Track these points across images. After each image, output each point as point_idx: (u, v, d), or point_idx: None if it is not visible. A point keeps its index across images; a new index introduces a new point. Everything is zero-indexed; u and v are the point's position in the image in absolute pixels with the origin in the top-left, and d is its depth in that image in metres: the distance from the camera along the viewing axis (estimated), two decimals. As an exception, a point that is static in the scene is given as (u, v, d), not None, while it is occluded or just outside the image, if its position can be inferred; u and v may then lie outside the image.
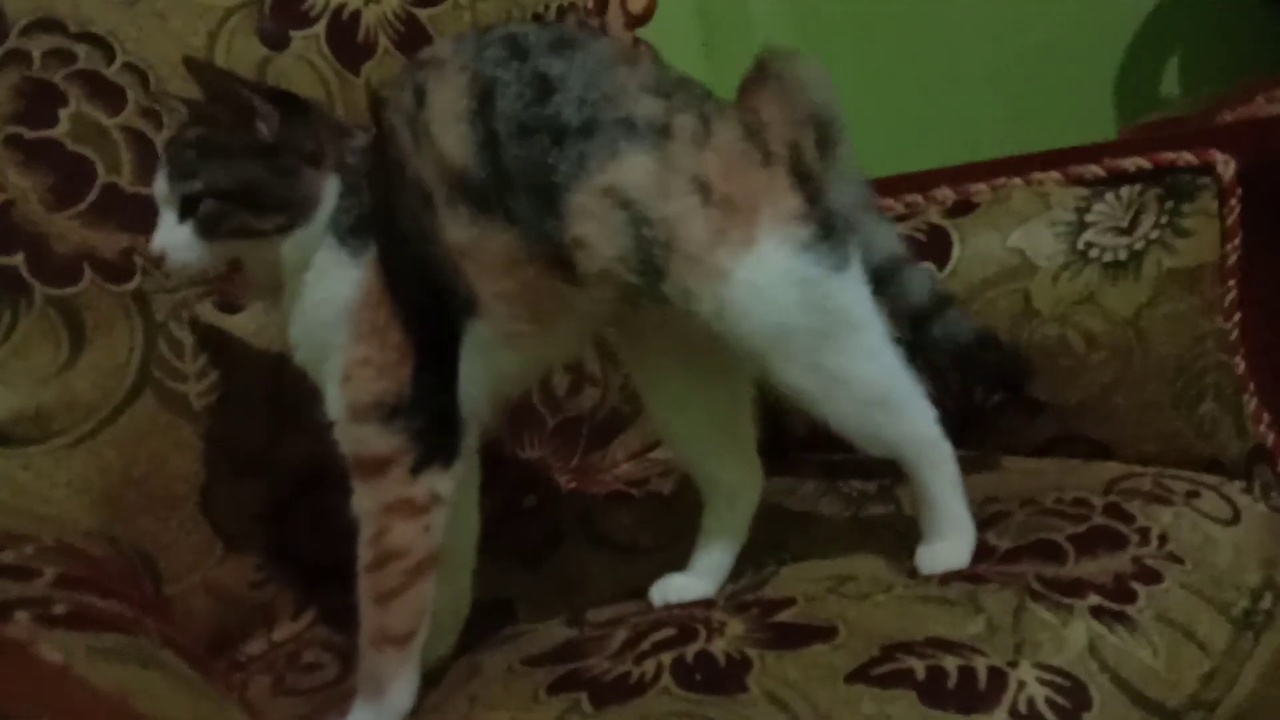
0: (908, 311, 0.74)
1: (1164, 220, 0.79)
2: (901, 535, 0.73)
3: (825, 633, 0.62)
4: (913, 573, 0.69)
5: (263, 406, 0.77)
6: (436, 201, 0.60)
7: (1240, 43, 1.59)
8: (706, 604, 0.70)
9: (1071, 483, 0.78)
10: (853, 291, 0.65)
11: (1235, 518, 0.74)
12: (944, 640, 0.59)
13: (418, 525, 0.61)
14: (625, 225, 0.59)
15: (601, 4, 1.13)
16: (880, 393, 0.66)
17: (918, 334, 0.74)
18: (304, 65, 0.86)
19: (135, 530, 0.71)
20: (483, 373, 0.63)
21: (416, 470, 0.60)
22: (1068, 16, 1.67)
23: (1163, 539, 0.70)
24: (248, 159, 0.59)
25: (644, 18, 1.15)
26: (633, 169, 0.59)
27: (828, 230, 0.63)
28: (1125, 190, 0.82)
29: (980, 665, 0.57)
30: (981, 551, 0.70)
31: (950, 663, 0.57)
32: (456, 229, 0.60)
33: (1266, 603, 0.68)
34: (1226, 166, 0.76)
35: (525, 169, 0.59)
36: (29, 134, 0.71)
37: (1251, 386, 0.79)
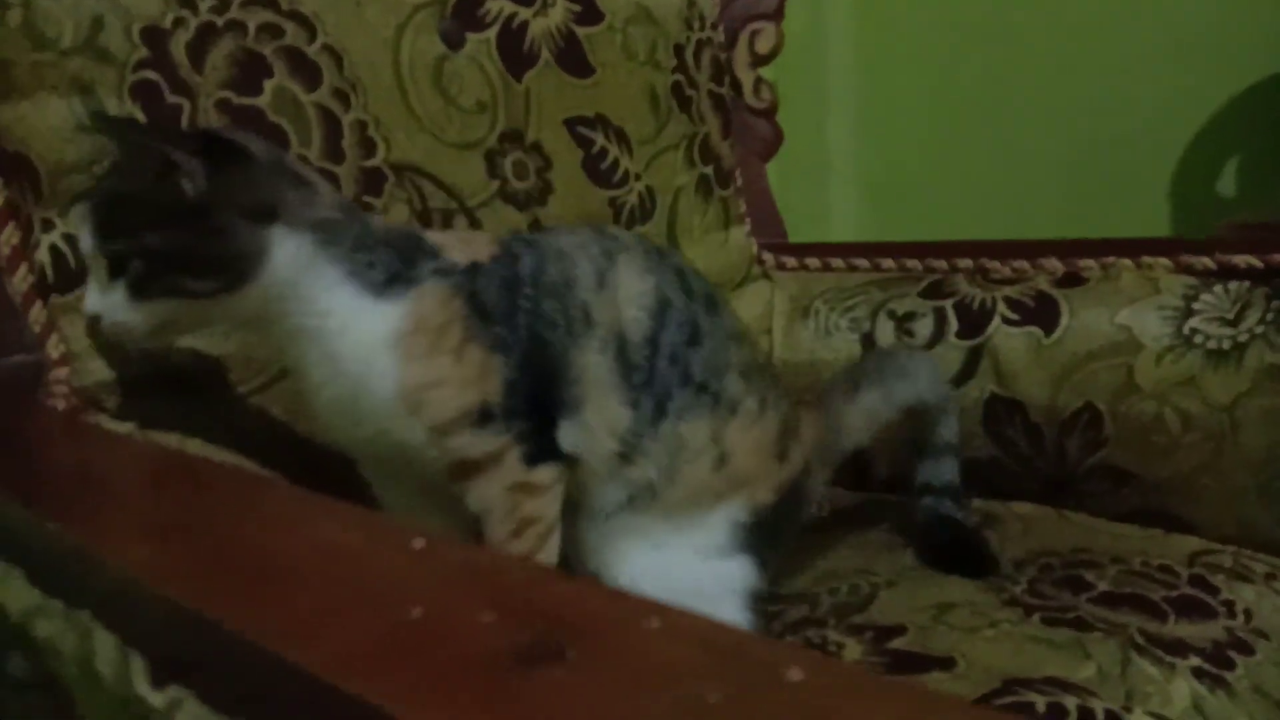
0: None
1: (1269, 317, 0.85)
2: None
3: (944, 662, 0.66)
4: (1010, 602, 0.74)
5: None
6: (596, 334, 0.65)
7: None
8: (817, 622, 0.74)
9: (1156, 550, 0.83)
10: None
11: (1312, 604, 0.79)
12: (1060, 680, 0.64)
13: (544, 499, 0.64)
14: (665, 456, 0.67)
15: (731, 41, 1.19)
16: None
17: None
18: (475, 67, 0.91)
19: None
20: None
21: (530, 463, 0.63)
22: (1130, 110, 1.73)
23: (1248, 614, 0.75)
24: (174, 219, 0.56)
25: (769, 57, 1.20)
26: (695, 430, 0.67)
27: (760, 525, 0.72)
28: (1233, 285, 0.87)
29: (1097, 707, 0.61)
30: (1079, 585, 0.76)
31: (1069, 701, 0.61)
32: (594, 360, 0.65)
33: (1343, 688, 0.73)
34: (1336, 275, 0.82)
35: (659, 382, 0.66)
36: (236, 100, 0.76)
37: (1332, 483, 0.85)
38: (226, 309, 0.59)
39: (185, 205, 0.56)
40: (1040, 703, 0.61)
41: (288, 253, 0.58)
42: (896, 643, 0.69)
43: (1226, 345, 0.85)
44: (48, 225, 0.68)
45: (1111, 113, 1.76)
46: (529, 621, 0.23)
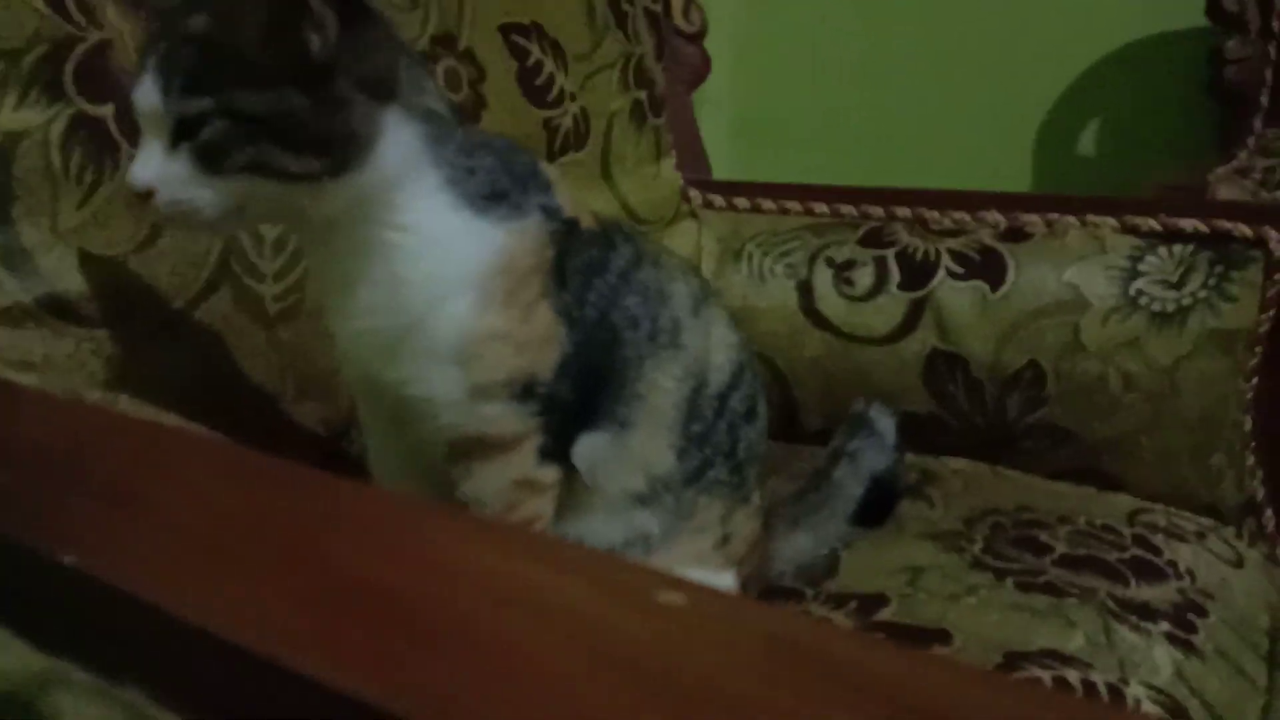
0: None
1: (1211, 282, 0.86)
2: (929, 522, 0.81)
3: (939, 635, 0.63)
4: (976, 565, 0.73)
5: (333, 323, 0.70)
6: (682, 359, 0.58)
7: (1161, 117, 1.74)
8: (793, 594, 0.70)
9: (1097, 510, 0.84)
10: None
11: (1239, 562, 0.82)
12: (1056, 652, 0.62)
13: (544, 500, 0.57)
14: (675, 518, 0.61)
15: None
16: None
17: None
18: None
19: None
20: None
21: (543, 457, 0.55)
22: (996, 70, 1.77)
23: (1191, 574, 0.76)
24: (285, 79, 0.45)
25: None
26: (712, 507, 0.62)
27: None
28: (1177, 248, 0.88)
29: (1099, 680, 0.60)
30: (1036, 546, 0.76)
31: (1072, 675, 0.60)
32: (670, 386, 0.58)
33: (1275, 646, 0.76)
34: (1278, 245, 0.84)
35: (712, 444, 0.60)
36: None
37: (1252, 444, 0.88)
38: (312, 199, 0.48)
39: (305, 64, 0.45)
40: (1046, 678, 0.59)
41: (397, 142, 0.48)
42: (884, 614, 0.66)
43: (1170, 308, 0.86)
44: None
45: (978, 71, 1.80)
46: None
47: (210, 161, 0.46)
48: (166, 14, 0.48)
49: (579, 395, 0.55)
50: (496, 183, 0.52)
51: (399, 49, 0.51)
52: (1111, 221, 0.91)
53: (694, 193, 1.09)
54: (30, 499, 0.24)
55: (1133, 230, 0.90)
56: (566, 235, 0.54)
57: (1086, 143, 1.87)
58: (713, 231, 1.06)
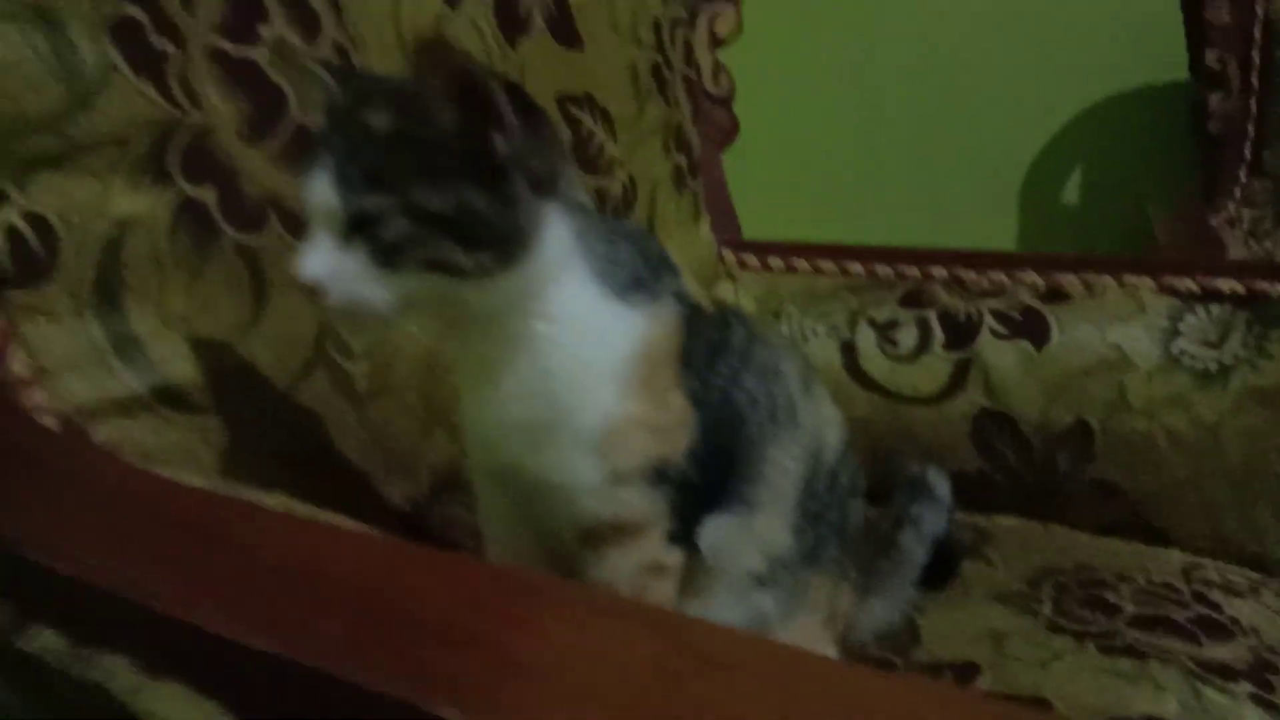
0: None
1: (1251, 342, 0.88)
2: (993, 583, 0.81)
3: (1041, 704, 0.64)
4: (1054, 629, 0.73)
5: (418, 401, 0.70)
6: (800, 438, 0.59)
7: (1144, 168, 1.80)
8: (883, 663, 0.70)
9: (1151, 566, 0.85)
10: None
11: (1293, 615, 0.84)
12: (1155, 717, 0.63)
13: (669, 584, 0.56)
14: (789, 598, 0.61)
15: (691, 20, 1.11)
16: None
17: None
18: (473, 30, 0.79)
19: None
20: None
21: (670, 540, 0.56)
22: (981, 122, 1.82)
23: (1256, 631, 0.78)
24: (470, 178, 0.46)
25: (726, 41, 1.14)
26: (822, 584, 0.63)
27: None
28: (1215, 308, 0.91)
29: (1204, 747, 0.61)
30: (1106, 606, 0.77)
31: (1178, 743, 0.61)
32: (789, 466, 0.59)
33: (1337, 700, 0.78)
34: (1315, 305, 0.87)
35: (825, 522, 0.61)
36: (233, 51, 0.61)
37: (1293, 497, 0.90)
38: (478, 294, 0.48)
39: (487, 164, 0.46)
40: (1153, 746, 0.60)
41: (555, 237, 0.49)
42: (982, 683, 0.67)
43: (1213, 367, 0.89)
44: (1, 198, 0.52)
45: (964, 124, 1.84)
46: None
47: (386, 259, 0.46)
48: (338, 110, 0.48)
49: (704, 478, 0.55)
50: (636, 271, 0.52)
51: (559, 145, 0.52)
52: (1149, 282, 0.93)
53: (727, 253, 1.10)
54: (384, 650, 0.23)
55: (1170, 290, 0.93)
56: (693, 319, 0.54)
57: (1071, 193, 1.93)
58: (749, 292, 1.08)
